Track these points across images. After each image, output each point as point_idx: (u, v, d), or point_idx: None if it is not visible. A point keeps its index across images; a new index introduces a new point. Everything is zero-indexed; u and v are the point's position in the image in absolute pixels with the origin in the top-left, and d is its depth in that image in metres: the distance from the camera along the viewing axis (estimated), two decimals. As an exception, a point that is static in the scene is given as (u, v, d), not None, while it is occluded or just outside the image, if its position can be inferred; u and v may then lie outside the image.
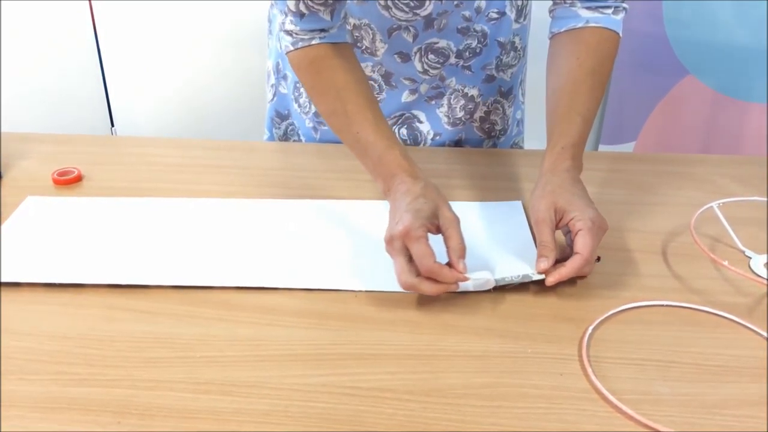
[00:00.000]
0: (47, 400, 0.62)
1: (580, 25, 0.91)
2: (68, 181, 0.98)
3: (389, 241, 0.74)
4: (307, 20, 0.87)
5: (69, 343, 0.69)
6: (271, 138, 1.21)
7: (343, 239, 0.86)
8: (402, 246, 0.73)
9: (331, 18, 0.88)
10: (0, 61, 2.06)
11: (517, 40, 1.07)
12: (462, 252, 0.74)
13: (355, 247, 0.84)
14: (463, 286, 0.75)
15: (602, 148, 2.05)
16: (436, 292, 0.73)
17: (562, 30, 0.93)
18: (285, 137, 1.18)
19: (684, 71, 1.95)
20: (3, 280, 0.77)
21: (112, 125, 2.21)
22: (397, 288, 0.75)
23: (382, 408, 0.62)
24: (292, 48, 0.90)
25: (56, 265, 0.80)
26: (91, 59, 2.10)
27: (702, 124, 2.01)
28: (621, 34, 0.92)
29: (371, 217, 0.90)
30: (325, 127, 1.13)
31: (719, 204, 0.90)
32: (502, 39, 1.05)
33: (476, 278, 0.75)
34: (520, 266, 0.79)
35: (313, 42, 0.88)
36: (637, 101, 2.00)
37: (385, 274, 0.77)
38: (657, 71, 1.96)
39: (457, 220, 0.76)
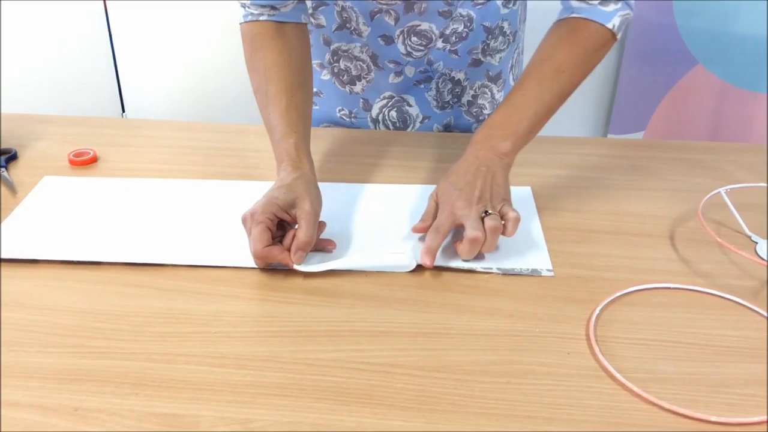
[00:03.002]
0: (66, 372, 0.64)
1: (565, 15, 0.90)
2: (84, 162, 1.00)
3: (242, 221, 0.79)
4: None
5: (87, 318, 0.71)
6: None
7: (352, 221, 0.87)
8: (251, 227, 0.78)
9: None
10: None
11: (506, 25, 1.07)
12: (303, 245, 0.76)
13: (363, 229, 0.86)
14: (379, 265, 0.78)
15: (611, 138, 2.06)
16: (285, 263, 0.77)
17: (555, 21, 0.92)
18: None
19: (693, 61, 1.95)
20: (22, 257, 0.79)
21: (123, 111, 2.22)
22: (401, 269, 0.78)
23: (393, 383, 0.63)
24: (242, 20, 0.94)
25: (74, 243, 0.82)
26: (103, 46, 2.12)
27: (710, 114, 2.02)
28: (609, 25, 0.87)
29: (377, 201, 0.92)
30: (317, 107, 1.16)
31: (727, 190, 0.90)
32: (488, 24, 1.05)
33: (356, 264, 0.78)
34: (528, 257, 0.80)
35: (261, 18, 0.93)
36: (646, 91, 2.01)
37: (395, 256, 0.79)
38: (666, 61, 1.96)
39: (312, 214, 0.78)
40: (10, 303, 0.73)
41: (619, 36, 0.90)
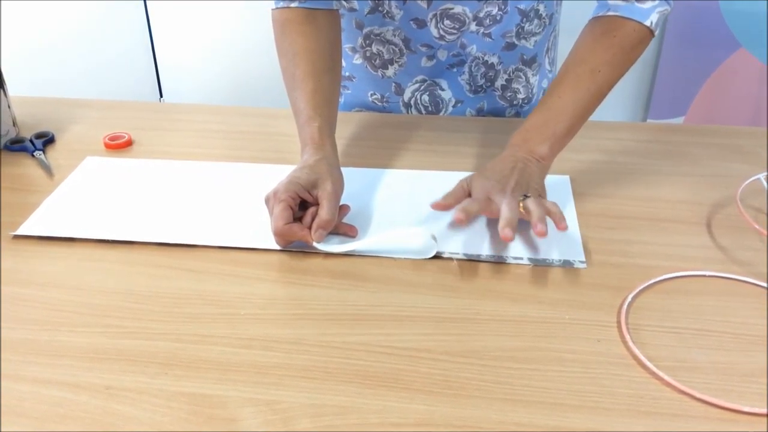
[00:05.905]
0: (96, 351, 0.65)
1: (602, 12, 0.88)
2: (119, 146, 1.01)
3: (265, 201, 0.80)
4: None
5: (118, 298, 0.72)
6: None
7: (377, 208, 0.87)
8: (273, 205, 0.78)
9: None
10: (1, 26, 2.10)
11: (541, 7, 1.05)
12: (324, 223, 0.77)
13: (387, 216, 0.85)
14: (400, 251, 0.78)
15: (647, 123, 2.02)
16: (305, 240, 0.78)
17: (591, 17, 0.90)
18: None
19: (736, 44, 1.89)
20: (59, 235, 0.81)
21: (161, 96, 2.25)
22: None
23: (418, 367, 0.63)
24: (275, 6, 0.95)
25: (109, 222, 0.83)
26: (142, 32, 2.14)
27: (752, 99, 1.96)
28: (647, 22, 0.85)
29: (405, 187, 0.91)
30: (349, 91, 1.16)
31: (766, 176, 0.88)
32: (523, 6, 1.03)
33: (364, 247, 0.78)
34: (562, 248, 0.78)
35: (292, 5, 0.94)
36: (687, 75, 1.96)
37: (414, 238, 0.79)
38: (708, 44, 1.91)
39: (334, 194, 0.79)
40: (44, 282, 0.74)
41: (656, 32, 0.87)
